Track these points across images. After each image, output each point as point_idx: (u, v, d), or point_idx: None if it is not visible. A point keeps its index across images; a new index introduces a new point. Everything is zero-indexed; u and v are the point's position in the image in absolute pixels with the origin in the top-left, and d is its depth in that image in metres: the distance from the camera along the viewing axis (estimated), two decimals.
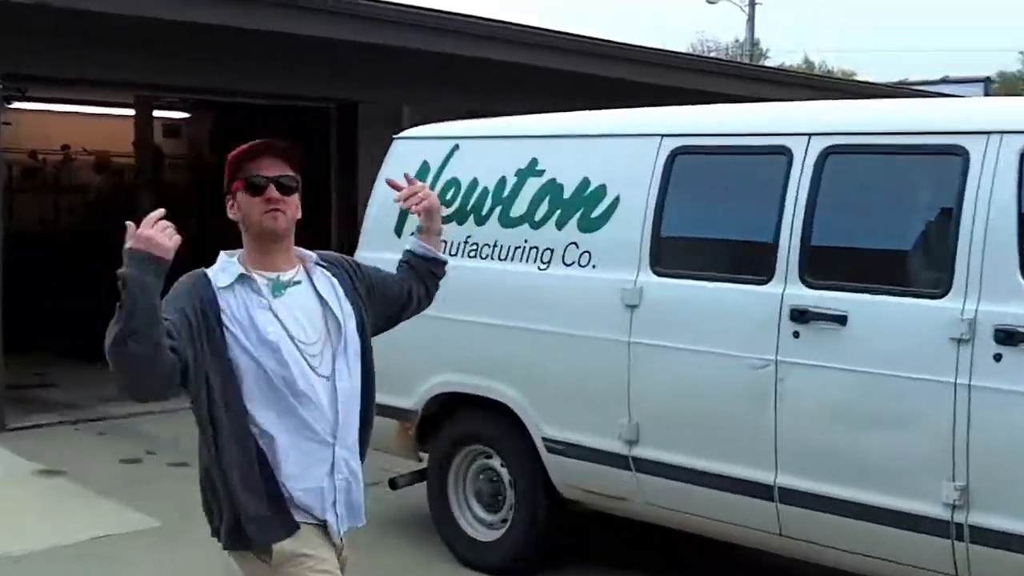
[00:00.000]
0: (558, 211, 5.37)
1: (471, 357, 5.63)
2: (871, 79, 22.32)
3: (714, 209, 5.09)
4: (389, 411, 5.93)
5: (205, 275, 3.07)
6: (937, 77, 23.17)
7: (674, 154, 5.03)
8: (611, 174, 5.23)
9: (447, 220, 5.76)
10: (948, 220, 4.30)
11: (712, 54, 37.54)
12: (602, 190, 5.23)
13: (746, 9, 33.00)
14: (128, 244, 2.75)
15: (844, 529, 4.47)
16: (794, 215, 4.62)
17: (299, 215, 3.15)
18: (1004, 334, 4.06)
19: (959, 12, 79.69)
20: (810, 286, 4.56)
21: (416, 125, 6.58)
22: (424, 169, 5.93)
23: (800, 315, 4.53)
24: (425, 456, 6.07)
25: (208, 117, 15.28)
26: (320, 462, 3.07)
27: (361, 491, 3.18)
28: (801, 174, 4.63)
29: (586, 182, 5.29)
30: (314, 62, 10.48)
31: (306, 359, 3.04)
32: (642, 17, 74.84)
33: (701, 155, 5.03)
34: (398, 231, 6.02)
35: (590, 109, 5.81)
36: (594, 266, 5.20)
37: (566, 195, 5.35)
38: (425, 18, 10.36)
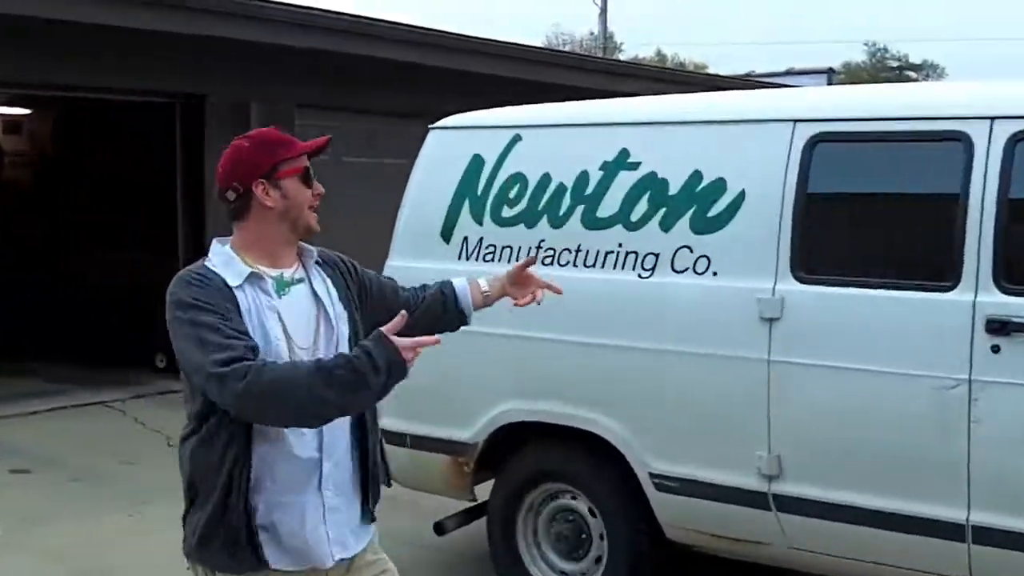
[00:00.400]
0: (662, 210, 4.61)
1: (551, 381, 4.81)
2: (722, 72, 22.34)
3: (869, 204, 4.42)
4: (438, 444, 5.10)
5: (216, 273, 2.76)
6: (783, 69, 23.47)
7: (813, 141, 4.35)
8: (730, 166, 4.50)
9: (511, 223, 4.96)
10: None
11: (567, 48, 37.26)
12: (720, 185, 4.50)
13: (599, 2, 32.59)
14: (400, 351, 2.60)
15: None
16: (982, 211, 3.99)
17: None
18: None
19: (804, 3, 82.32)
20: (1009, 292, 3.95)
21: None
22: (477, 164, 5.07)
23: (1000, 327, 3.92)
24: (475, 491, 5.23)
25: (51, 114, 13.97)
26: (306, 479, 2.82)
27: (355, 510, 2.93)
28: (987, 163, 4.01)
29: (698, 176, 4.55)
30: (158, 57, 9.91)
31: None
32: (496, 10, 74.73)
33: (848, 143, 4.35)
34: (446, 235, 5.15)
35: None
36: (715, 273, 4.47)
37: (672, 191, 4.59)
38: (269, 11, 10.03)
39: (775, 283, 4.32)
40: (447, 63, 11.75)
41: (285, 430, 2.76)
